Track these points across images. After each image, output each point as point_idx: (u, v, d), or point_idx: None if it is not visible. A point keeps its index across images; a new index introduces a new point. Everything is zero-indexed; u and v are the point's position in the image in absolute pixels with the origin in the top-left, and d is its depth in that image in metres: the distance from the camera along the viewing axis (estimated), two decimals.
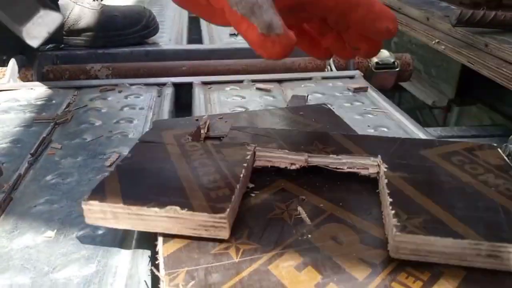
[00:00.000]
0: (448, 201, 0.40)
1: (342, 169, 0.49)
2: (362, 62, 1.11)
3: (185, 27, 1.51)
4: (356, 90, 0.90)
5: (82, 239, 0.45)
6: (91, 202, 0.40)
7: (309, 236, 0.41)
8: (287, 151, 0.50)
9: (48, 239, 0.45)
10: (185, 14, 1.62)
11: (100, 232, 0.46)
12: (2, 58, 1.04)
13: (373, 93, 0.90)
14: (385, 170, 0.46)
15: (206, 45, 1.27)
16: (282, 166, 0.50)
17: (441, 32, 1.19)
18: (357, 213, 0.44)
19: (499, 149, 0.51)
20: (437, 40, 1.16)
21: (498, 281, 0.36)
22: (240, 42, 1.27)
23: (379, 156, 0.48)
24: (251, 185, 0.49)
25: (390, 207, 0.39)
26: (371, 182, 0.49)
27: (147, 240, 0.43)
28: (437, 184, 0.43)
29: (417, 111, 1.93)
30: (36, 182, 0.56)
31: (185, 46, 1.22)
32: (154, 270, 0.37)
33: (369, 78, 1.11)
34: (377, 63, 1.10)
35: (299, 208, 0.45)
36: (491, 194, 0.42)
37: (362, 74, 1.01)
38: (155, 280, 0.39)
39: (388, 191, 0.42)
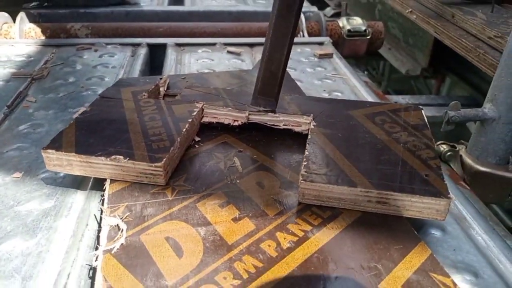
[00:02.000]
0: (356, 155, 0.47)
1: (278, 126, 0.55)
2: (334, 29, 1.15)
3: None
4: (322, 57, 0.95)
5: (45, 180, 0.52)
6: (49, 150, 0.46)
7: (238, 181, 0.47)
8: (230, 108, 0.56)
9: (16, 179, 0.52)
10: None
11: (61, 175, 0.52)
12: None
13: (337, 60, 0.94)
14: (312, 127, 0.52)
15: (186, 6, 1.30)
16: (226, 122, 0.56)
17: (415, 1, 1.22)
18: (284, 163, 0.50)
19: (422, 111, 0.56)
20: (410, 10, 1.19)
21: (387, 222, 0.42)
22: (219, 6, 1.30)
23: (312, 115, 0.54)
24: (197, 139, 0.55)
25: (304, 159, 0.45)
26: (304, 137, 0.55)
27: (101, 183, 0.50)
28: (353, 140, 0.49)
29: (411, 81, 1.96)
30: (9, 131, 0.62)
31: (165, 7, 1.25)
32: (99, 205, 0.44)
33: (342, 45, 1.15)
34: (349, 30, 1.14)
35: (235, 158, 0.51)
36: (398, 149, 0.48)
37: (332, 41, 1.05)
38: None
39: (308, 145, 0.48)
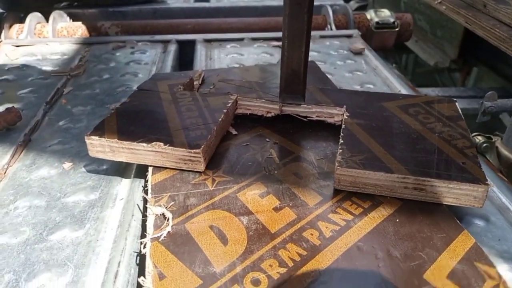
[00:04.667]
0: (391, 143, 0.46)
1: (311, 117, 0.56)
2: (362, 22, 1.14)
3: None
4: (355, 52, 0.93)
5: (89, 172, 0.53)
6: (92, 137, 0.48)
7: (276, 172, 0.48)
8: (264, 100, 0.56)
9: (61, 172, 0.54)
10: None
11: (104, 167, 0.54)
12: (19, 15, 1.11)
13: (367, 52, 0.94)
14: (346, 118, 0.52)
15: (212, 3, 1.31)
16: (260, 114, 0.57)
17: None
18: (319, 154, 0.51)
19: (456, 103, 0.56)
20: (439, 1, 1.17)
21: (429, 212, 0.42)
22: (245, 1, 1.31)
23: (344, 106, 0.54)
24: (234, 132, 0.56)
25: (339, 147, 0.46)
26: (337, 128, 0.55)
27: (142, 174, 0.51)
28: (387, 129, 0.49)
29: (436, 74, 1.92)
30: (51, 126, 0.65)
31: (191, 4, 1.26)
32: (143, 195, 0.45)
33: (370, 37, 1.14)
34: (377, 22, 1.13)
35: (271, 150, 0.52)
36: (433, 138, 0.48)
37: (360, 33, 1.04)
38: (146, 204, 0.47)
39: (342, 135, 0.48)
